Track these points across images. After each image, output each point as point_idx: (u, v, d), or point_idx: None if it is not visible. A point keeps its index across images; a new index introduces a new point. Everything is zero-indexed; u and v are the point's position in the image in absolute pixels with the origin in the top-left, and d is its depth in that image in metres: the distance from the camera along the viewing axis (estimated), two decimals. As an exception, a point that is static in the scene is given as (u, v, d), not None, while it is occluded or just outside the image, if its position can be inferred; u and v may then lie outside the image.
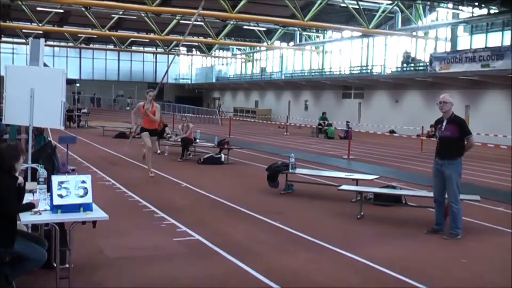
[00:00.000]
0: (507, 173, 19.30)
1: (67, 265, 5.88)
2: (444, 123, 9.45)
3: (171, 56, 68.59)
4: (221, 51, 75.76)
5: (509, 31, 39.06)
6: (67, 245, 5.86)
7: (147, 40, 64.73)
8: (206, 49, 69.25)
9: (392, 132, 41.41)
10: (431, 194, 10.14)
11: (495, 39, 39.99)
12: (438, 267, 7.70)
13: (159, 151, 20.76)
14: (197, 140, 20.67)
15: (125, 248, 7.83)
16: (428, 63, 41.01)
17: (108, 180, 13.87)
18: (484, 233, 9.94)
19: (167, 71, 18.19)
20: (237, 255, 7.55)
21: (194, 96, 76.80)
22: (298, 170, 13.46)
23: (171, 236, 8.55)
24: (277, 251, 8.13)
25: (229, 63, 79.12)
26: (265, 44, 57.95)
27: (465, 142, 9.40)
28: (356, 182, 12.50)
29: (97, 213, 5.67)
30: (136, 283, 6.36)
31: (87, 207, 5.61)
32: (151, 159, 14.89)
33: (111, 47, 68.60)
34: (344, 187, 11.47)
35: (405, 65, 45.57)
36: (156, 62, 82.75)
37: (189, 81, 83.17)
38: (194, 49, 76.15)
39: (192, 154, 19.79)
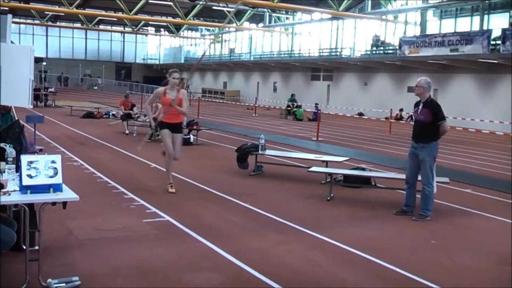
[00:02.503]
0: (475, 155, 19.59)
1: (37, 247, 5.80)
2: (420, 107, 9.51)
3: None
4: (189, 31, 75.30)
5: (478, 16, 39.44)
6: (37, 227, 5.77)
7: (115, 19, 64.10)
8: (175, 29, 68.77)
9: (360, 114, 41.65)
10: (401, 176, 10.24)
11: (464, 24, 40.34)
12: (407, 248, 7.78)
13: (127, 132, 20.62)
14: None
15: (95, 229, 7.76)
16: (397, 47, 41.24)
17: (76, 160, 13.73)
18: (453, 215, 10.06)
19: (203, 55, 16.81)
20: (208, 237, 7.54)
21: (162, 77, 75.92)
22: (267, 152, 13.48)
23: (141, 218, 8.50)
24: (247, 232, 8.13)
25: (198, 44, 78.72)
26: (234, 25, 57.73)
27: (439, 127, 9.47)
28: (326, 164, 12.53)
29: (68, 194, 5.58)
30: (106, 265, 6.31)
31: (57, 188, 5.51)
32: (172, 169, 11.02)
33: (79, 25, 67.79)
34: (313, 169, 11.50)
35: (374, 48, 45.75)
36: (124, 41, 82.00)
37: (157, 62, 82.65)
38: (162, 29, 75.59)
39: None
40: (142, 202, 9.49)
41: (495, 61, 33.76)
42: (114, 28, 74.62)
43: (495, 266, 7.24)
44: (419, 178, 9.58)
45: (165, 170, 11.11)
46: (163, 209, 9.00)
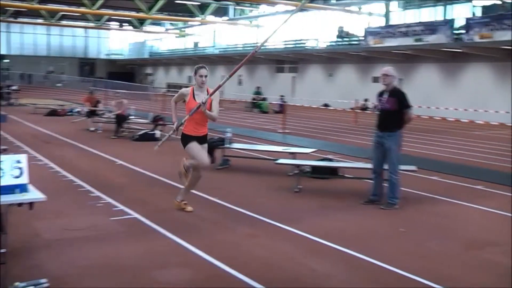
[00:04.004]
0: (441, 143, 19.81)
1: (3, 250, 5.70)
2: (385, 96, 9.55)
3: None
4: (153, 26, 74.83)
5: (442, 7, 39.86)
6: (3, 229, 5.68)
7: (78, 14, 63.33)
8: (139, 24, 68.29)
9: (326, 105, 41.79)
10: (367, 166, 10.30)
11: (427, 15, 40.76)
12: (376, 237, 7.83)
13: (92, 129, 20.44)
14: (131, 117, 20.40)
15: (62, 229, 7.66)
16: (362, 38, 41.50)
17: (40, 159, 13.55)
18: (421, 202, 10.18)
19: (265, 41, 13.70)
20: (177, 232, 7.49)
21: (126, 72, 75.81)
22: (234, 145, 13.44)
23: (108, 216, 8.41)
24: (216, 226, 8.10)
25: (161, 39, 78.30)
26: (198, 19, 57.51)
27: (404, 115, 9.53)
28: (293, 155, 12.53)
29: (34, 194, 5.49)
30: (75, 265, 6.23)
31: (23, 188, 5.43)
32: (195, 186, 9.00)
33: (41, 21, 66.85)
34: (281, 161, 11.50)
35: (339, 39, 45.94)
36: (87, 37, 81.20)
37: (121, 57, 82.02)
38: (126, 24, 74.98)
39: (126, 131, 19.52)
40: (109, 200, 9.39)
41: (459, 50, 34.18)
42: (77, 23, 73.82)
43: (463, 251, 7.34)
44: (385, 167, 9.64)
45: (186, 186, 8.89)
46: (130, 206, 8.92)
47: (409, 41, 36.82)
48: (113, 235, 7.50)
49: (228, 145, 13.03)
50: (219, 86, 8.05)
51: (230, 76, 7.84)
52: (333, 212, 9.25)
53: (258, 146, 15.76)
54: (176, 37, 73.40)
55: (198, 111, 8.28)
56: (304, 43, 49.56)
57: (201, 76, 8.38)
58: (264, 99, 37.82)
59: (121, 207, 8.90)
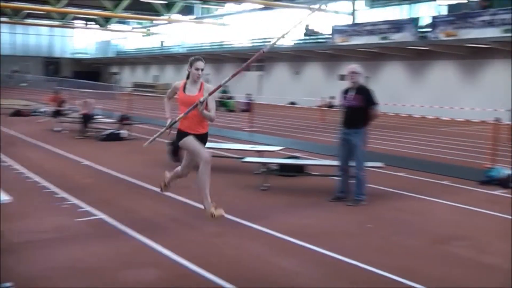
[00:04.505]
0: (407, 140, 19.98)
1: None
2: (352, 93, 9.60)
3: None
4: (119, 24, 74.33)
5: (407, 5, 40.23)
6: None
7: (42, 13, 62.52)
8: (104, 22, 67.78)
9: (292, 103, 41.88)
10: (334, 163, 10.34)
11: (393, 13, 41.14)
12: (343, 233, 7.87)
13: (57, 129, 20.22)
14: (97, 116, 20.23)
15: (27, 231, 7.54)
16: (329, 36, 41.71)
17: (4, 161, 13.34)
18: (388, 198, 10.28)
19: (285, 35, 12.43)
20: (144, 232, 7.44)
21: (92, 71, 75.08)
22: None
23: (73, 217, 8.31)
24: (183, 225, 8.08)
25: (127, 37, 77.82)
26: (164, 17, 57.28)
27: (371, 112, 9.59)
28: (260, 154, 12.52)
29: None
30: (41, 267, 6.15)
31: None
32: (208, 183, 7.48)
33: (6, 19, 65.89)
34: (248, 159, 11.49)
35: (306, 37, 46.08)
36: (52, 36, 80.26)
37: (86, 56, 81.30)
38: (91, 23, 74.36)
39: (92, 130, 19.33)
40: (75, 201, 9.28)
41: (425, 48, 34.55)
42: (42, 21, 72.87)
43: (430, 246, 7.42)
44: (352, 163, 9.69)
45: (202, 188, 7.48)
46: (96, 207, 8.83)
47: (375, 39, 37.11)
48: (79, 236, 7.42)
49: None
50: (220, 86, 7.38)
51: (233, 76, 7.16)
52: (301, 209, 9.27)
53: (225, 145, 15.72)
54: (143, 36, 73.00)
55: (195, 112, 7.26)
56: (270, 42, 49.60)
57: (197, 69, 7.39)
58: (230, 97, 37.76)
59: (87, 208, 8.81)
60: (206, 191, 7.38)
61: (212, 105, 7.30)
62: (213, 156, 13.48)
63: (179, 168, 7.95)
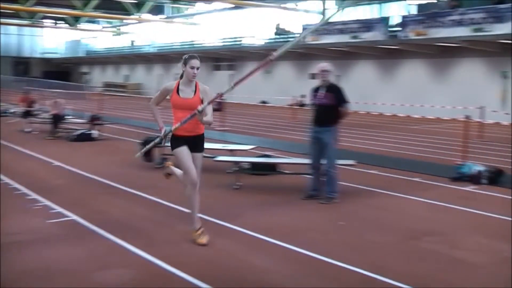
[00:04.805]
0: (379, 138, 20.12)
1: None
2: (322, 91, 9.63)
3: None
4: (89, 24, 73.73)
5: (378, 4, 40.50)
6: None
7: (11, 11, 61.69)
8: (74, 21, 67.15)
9: (264, 102, 41.92)
10: (306, 161, 10.37)
11: (363, 12, 41.40)
12: (316, 231, 7.90)
13: (27, 129, 20.03)
14: (67, 117, 20.07)
15: (-2, 233, 7.48)
16: (300, 35, 41.79)
17: (-27, 162, 13.21)
18: (360, 196, 10.36)
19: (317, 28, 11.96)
20: (116, 233, 7.39)
21: (62, 71, 74.44)
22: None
23: (45, 218, 8.22)
24: (156, 225, 8.03)
25: (97, 37, 77.26)
26: (134, 17, 56.94)
27: (342, 110, 9.64)
28: (232, 153, 12.52)
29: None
30: (12, 269, 6.07)
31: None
32: (198, 204, 7.24)
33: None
34: (220, 158, 11.49)
35: (277, 36, 46.16)
36: (20, 35, 79.31)
37: (56, 56, 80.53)
38: (60, 22, 73.62)
39: (63, 131, 19.17)
40: (46, 202, 9.19)
41: (395, 47, 34.81)
42: (10, 21, 71.93)
43: (402, 242, 7.48)
44: (324, 161, 9.73)
45: (188, 210, 7.32)
46: (68, 208, 8.75)
47: (345, 38, 37.29)
48: (51, 238, 7.34)
49: (165, 144, 12.89)
50: (220, 95, 6.96)
51: (235, 85, 6.55)
52: (273, 207, 9.28)
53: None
54: (113, 35, 72.55)
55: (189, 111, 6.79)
56: (241, 41, 49.61)
57: (192, 67, 6.90)
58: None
59: (59, 209, 8.73)
60: (193, 214, 7.19)
61: (209, 109, 6.83)
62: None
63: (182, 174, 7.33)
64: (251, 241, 7.32)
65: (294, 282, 5.91)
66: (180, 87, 6.96)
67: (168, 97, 7.10)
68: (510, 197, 10.37)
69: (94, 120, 19.41)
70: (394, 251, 7.07)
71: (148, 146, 7.62)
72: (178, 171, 7.46)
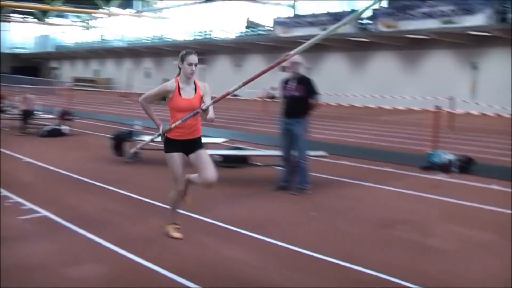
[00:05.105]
0: (350, 129, 20.21)
1: None
2: (293, 83, 9.64)
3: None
4: (58, 18, 73.07)
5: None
6: None
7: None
8: (42, 16, 66.50)
9: (235, 95, 41.88)
10: (277, 153, 10.39)
11: (334, 5, 41.54)
12: (288, 222, 7.93)
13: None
14: (37, 112, 19.87)
15: (-32, 230, 7.38)
16: (270, 28, 41.84)
17: None
18: (331, 186, 10.43)
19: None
20: (88, 228, 7.33)
21: (31, 66, 73.66)
22: (143, 137, 13.27)
23: (17, 215, 8.12)
24: (128, 220, 7.99)
25: (66, 31, 76.59)
26: (103, 11, 56.57)
27: (312, 101, 9.67)
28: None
29: None
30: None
31: None
32: (175, 208, 7.09)
33: None
34: (192, 151, 11.45)
35: (247, 30, 46.14)
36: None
37: (25, 51, 79.64)
38: (29, 16, 72.86)
39: (33, 127, 18.97)
40: (17, 198, 9.07)
41: (366, 40, 35.00)
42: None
43: (374, 231, 7.54)
44: (294, 153, 9.76)
45: (169, 207, 7.11)
46: (39, 204, 8.65)
47: (316, 31, 37.35)
48: (22, 234, 7.25)
49: (137, 138, 12.86)
50: (228, 93, 6.51)
51: (245, 84, 6.39)
52: (245, 199, 9.29)
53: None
54: (82, 29, 71.96)
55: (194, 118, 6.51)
56: (210, 35, 49.50)
57: (190, 64, 6.48)
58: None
59: (30, 205, 8.63)
60: (173, 211, 7.05)
61: (209, 104, 6.45)
62: (157, 149, 13.45)
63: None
64: (224, 233, 7.32)
65: (268, 272, 5.92)
66: (180, 86, 6.50)
67: (166, 97, 6.58)
68: (480, 185, 10.52)
69: (64, 116, 19.23)
70: (367, 240, 7.13)
71: (144, 143, 7.18)
72: (192, 178, 6.91)
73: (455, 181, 11.02)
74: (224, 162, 11.84)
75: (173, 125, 6.34)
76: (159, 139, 6.70)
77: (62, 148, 15.30)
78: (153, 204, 8.79)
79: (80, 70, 68.42)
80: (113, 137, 13.14)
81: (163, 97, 6.71)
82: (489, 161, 13.27)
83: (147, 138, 13.48)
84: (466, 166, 11.86)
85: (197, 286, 5.44)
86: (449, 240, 7.16)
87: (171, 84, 6.48)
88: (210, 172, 6.60)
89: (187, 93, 6.46)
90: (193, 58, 6.48)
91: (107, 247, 6.63)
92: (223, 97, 6.53)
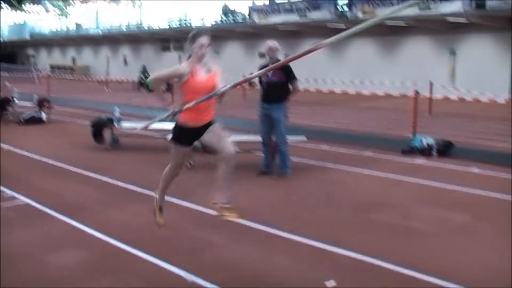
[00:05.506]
0: (330, 114, 20.30)
1: None
2: None
3: None
4: (33, 5, 72.24)
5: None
6: None
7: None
8: (17, 3, 65.73)
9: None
10: (257, 138, 10.40)
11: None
12: (269, 206, 7.97)
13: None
14: (15, 100, 19.69)
15: None
16: (247, 15, 41.78)
17: None
18: (312, 170, 10.48)
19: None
20: (69, 214, 7.31)
21: (7, 54, 72.84)
22: (123, 124, 13.22)
23: (-3, 202, 8.10)
24: (109, 206, 7.98)
25: (42, 19, 75.81)
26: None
27: (291, 87, 9.69)
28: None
29: None
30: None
31: None
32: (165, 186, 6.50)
33: None
34: (170, 136, 11.42)
35: (224, 17, 46.00)
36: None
37: (0, 38, 78.73)
38: (4, 4, 71.94)
39: (11, 114, 18.79)
40: (-2, 186, 9.05)
41: (343, 27, 35.03)
42: None
43: (354, 214, 7.61)
44: (274, 138, 9.79)
45: (160, 182, 6.51)
46: (20, 191, 8.59)
47: (293, 18, 37.39)
48: (5, 221, 7.20)
49: (117, 124, 12.80)
50: (247, 79, 6.33)
51: (267, 70, 5.65)
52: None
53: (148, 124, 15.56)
54: (58, 16, 71.26)
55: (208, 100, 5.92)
56: (190, 22, 49.28)
57: (202, 45, 5.92)
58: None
59: (12, 193, 8.57)
60: (161, 191, 6.49)
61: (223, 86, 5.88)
62: (137, 136, 13.44)
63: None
64: (206, 217, 7.31)
65: (251, 257, 5.96)
66: (194, 68, 5.90)
67: (182, 79, 5.91)
68: (459, 168, 10.62)
69: (43, 103, 19.08)
70: (347, 223, 7.18)
71: (152, 121, 6.84)
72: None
73: (435, 164, 11.11)
74: (205, 147, 11.79)
75: (185, 106, 5.80)
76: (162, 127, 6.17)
77: (41, 136, 15.20)
78: (133, 190, 8.79)
79: (57, 57, 67.81)
80: (92, 124, 13.07)
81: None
82: (467, 144, 13.38)
83: (128, 124, 13.56)
84: (445, 149, 11.96)
85: (176, 268, 5.47)
86: (428, 222, 7.24)
87: (184, 66, 5.93)
88: (228, 144, 6.18)
89: (201, 75, 5.92)
90: (205, 39, 5.96)
91: (88, 233, 6.63)
92: (243, 82, 6.31)
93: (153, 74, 6.22)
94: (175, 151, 6.14)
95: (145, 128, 7.05)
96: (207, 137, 6.07)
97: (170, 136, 6.22)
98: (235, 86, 5.89)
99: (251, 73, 6.43)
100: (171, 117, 5.99)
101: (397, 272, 5.49)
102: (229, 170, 6.20)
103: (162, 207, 6.35)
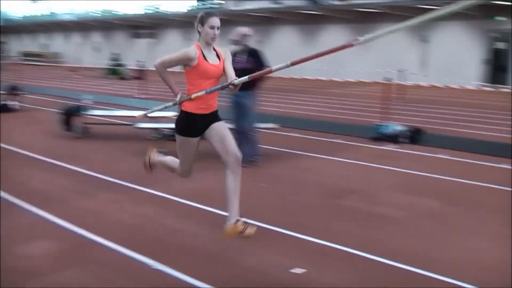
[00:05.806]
0: (301, 101, 20.32)
1: None
2: (243, 56, 9.61)
3: None
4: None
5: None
6: None
7: None
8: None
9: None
10: (227, 125, 10.36)
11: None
12: (240, 194, 7.91)
13: None
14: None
15: None
16: (221, 1, 41.71)
17: None
18: (282, 158, 10.49)
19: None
20: (38, 204, 7.23)
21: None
22: (92, 112, 13.13)
23: (-37, 192, 8.00)
24: (78, 195, 7.91)
25: (11, 4, 74.88)
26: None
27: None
28: (153, 119, 12.42)
29: None
30: None
31: None
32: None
33: None
34: (140, 124, 11.40)
35: (199, 3, 45.86)
36: None
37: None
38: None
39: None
40: (-37, 175, 8.94)
41: (317, 13, 35.09)
42: None
43: (325, 201, 7.63)
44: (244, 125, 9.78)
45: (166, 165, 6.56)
46: (-14, 180, 8.53)
47: (267, 4, 37.36)
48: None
49: (86, 112, 12.71)
50: (271, 71, 5.83)
51: (292, 64, 5.41)
52: (195, 172, 9.19)
53: (117, 112, 15.50)
54: (30, 2, 70.44)
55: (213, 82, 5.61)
56: (158, 8, 49.02)
57: (212, 27, 5.59)
58: (120, 65, 37.21)
59: (-23, 182, 8.49)
60: (162, 163, 6.48)
61: (232, 72, 5.70)
62: (107, 124, 13.36)
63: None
64: (176, 206, 7.32)
65: (219, 244, 5.96)
66: (203, 52, 5.56)
67: (190, 64, 5.57)
68: (428, 154, 10.72)
69: (13, 91, 18.86)
70: (316, 210, 7.21)
71: (158, 108, 6.48)
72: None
73: (404, 151, 11.20)
74: (173, 136, 11.76)
75: (193, 95, 5.53)
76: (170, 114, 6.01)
77: (10, 124, 15.01)
78: (103, 178, 8.73)
79: (28, 44, 67.10)
80: (62, 112, 12.95)
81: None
82: (437, 131, 13.50)
83: (97, 112, 13.48)
84: (415, 136, 12.06)
85: (146, 259, 5.45)
86: (397, 208, 7.29)
87: (193, 50, 5.51)
88: (234, 146, 5.83)
89: (212, 60, 5.56)
90: (216, 21, 5.61)
91: (57, 223, 6.56)
92: (265, 73, 6.18)
93: (160, 58, 5.87)
94: (183, 145, 5.87)
95: (145, 116, 6.86)
96: (210, 134, 5.78)
97: (173, 130, 5.92)
98: (252, 78, 5.58)
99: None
100: (179, 104, 5.72)
101: (367, 258, 5.52)
102: (238, 179, 5.83)
103: (153, 166, 6.59)
